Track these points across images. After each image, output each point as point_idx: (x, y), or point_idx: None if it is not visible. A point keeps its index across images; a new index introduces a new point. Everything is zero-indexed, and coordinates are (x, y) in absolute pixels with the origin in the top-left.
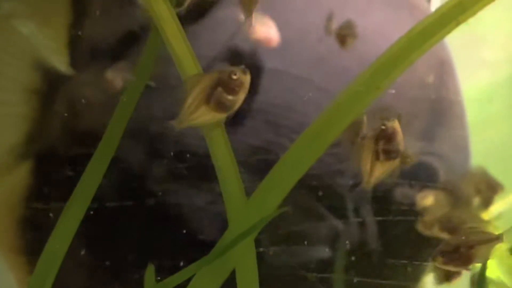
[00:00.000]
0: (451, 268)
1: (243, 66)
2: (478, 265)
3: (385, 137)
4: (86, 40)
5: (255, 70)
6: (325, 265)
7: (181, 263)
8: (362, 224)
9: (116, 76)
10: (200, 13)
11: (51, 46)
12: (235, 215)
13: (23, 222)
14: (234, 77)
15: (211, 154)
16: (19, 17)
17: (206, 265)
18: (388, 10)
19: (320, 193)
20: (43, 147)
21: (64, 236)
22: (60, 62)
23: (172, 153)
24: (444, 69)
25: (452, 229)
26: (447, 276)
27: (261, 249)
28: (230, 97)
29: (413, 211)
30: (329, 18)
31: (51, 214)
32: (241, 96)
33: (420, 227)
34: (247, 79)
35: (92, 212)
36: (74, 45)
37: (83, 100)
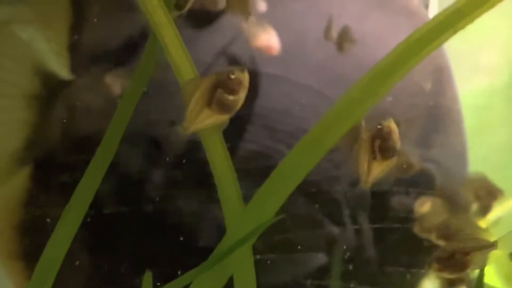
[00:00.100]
0: (446, 275)
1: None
2: (476, 272)
3: (381, 136)
4: (85, 45)
5: (254, 75)
6: (322, 272)
7: (179, 270)
8: (358, 231)
9: (114, 81)
10: (199, 19)
11: (52, 51)
12: (233, 222)
13: (22, 228)
14: (233, 76)
15: (209, 161)
16: (19, 23)
17: (204, 272)
18: (386, 17)
19: (317, 199)
20: (42, 152)
21: (62, 241)
22: (61, 67)
23: (169, 159)
24: (442, 76)
25: (448, 236)
26: (450, 284)
27: (258, 256)
28: (231, 97)
29: (410, 218)
30: (329, 24)
31: (49, 220)
32: (242, 95)
33: (416, 229)
34: (245, 77)
35: (89, 219)
36: (74, 50)
37: (82, 105)
